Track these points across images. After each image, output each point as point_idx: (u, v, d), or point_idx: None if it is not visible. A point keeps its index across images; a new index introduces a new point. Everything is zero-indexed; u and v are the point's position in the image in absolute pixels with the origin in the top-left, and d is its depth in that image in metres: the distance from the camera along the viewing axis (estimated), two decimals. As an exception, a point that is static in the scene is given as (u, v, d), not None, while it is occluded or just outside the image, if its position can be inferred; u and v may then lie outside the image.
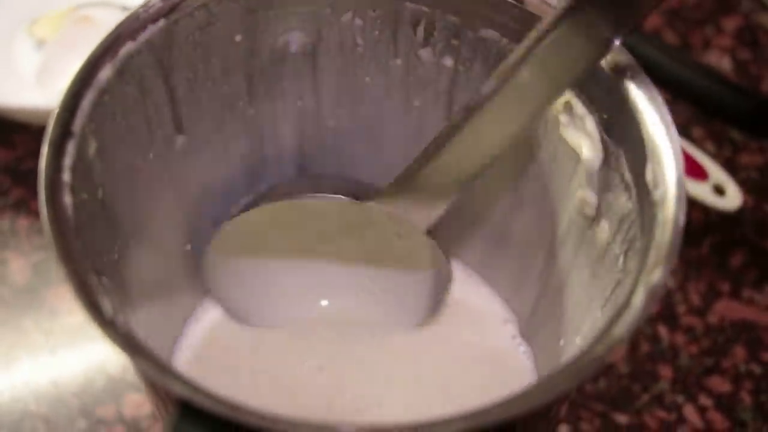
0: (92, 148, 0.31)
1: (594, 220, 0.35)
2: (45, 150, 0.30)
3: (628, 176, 0.32)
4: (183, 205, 0.38)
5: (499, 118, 0.33)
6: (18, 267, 0.52)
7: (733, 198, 0.52)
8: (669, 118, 0.31)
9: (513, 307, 0.42)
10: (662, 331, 0.51)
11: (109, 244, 0.33)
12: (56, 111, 0.30)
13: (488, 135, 0.33)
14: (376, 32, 0.37)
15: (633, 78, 0.32)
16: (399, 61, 0.38)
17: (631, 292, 0.28)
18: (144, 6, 0.33)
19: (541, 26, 0.31)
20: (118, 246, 0.34)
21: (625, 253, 0.32)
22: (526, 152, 0.37)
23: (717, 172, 0.53)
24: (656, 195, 0.30)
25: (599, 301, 0.33)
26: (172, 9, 0.33)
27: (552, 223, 0.38)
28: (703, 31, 0.63)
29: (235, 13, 0.35)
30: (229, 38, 0.35)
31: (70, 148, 0.30)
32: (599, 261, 0.34)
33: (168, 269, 0.38)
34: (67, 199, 0.29)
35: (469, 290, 0.43)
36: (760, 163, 0.57)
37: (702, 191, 0.52)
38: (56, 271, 0.52)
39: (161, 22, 0.33)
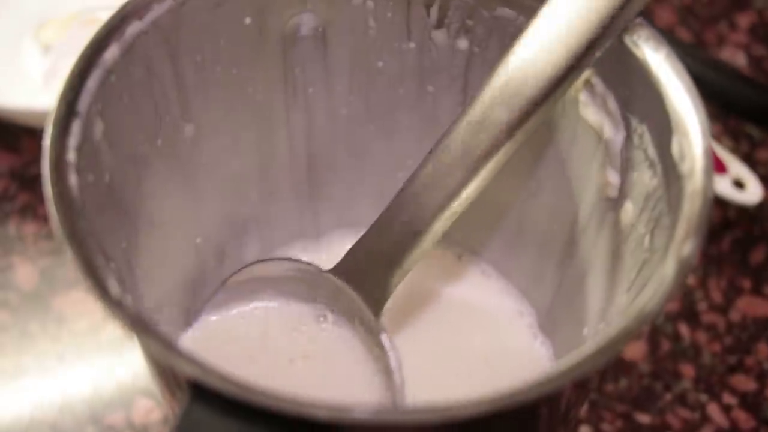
0: (99, 129, 0.31)
1: (617, 201, 0.34)
2: (49, 129, 0.29)
3: (652, 152, 0.31)
4: (193, 196, 0.37)
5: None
6: (25, 272, 0.51)
7: (753, 192, 0.51)
8: (694, 87, 0.30)
9: (531, 300, 0.41)
10: (683, 329, 0.50)
11: (117, 231, 0.32)
12: (61, 90, 0.29)
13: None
14: (389, 14, 0.36)
15: (654, 50, 0.31)
16: (412, 45, 0.37)
17: (661, 264, 0.27)
18: (151, -15, 0.32)
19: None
20: (126, 234, 0.33)
21: (652, 232, 0.31)
22: (545, 136, 0.36)
23: (736, 166, 0.52)
24: (683, 168, 0.29)
25: (624, 285, 0.32)
26: (180, -12, 0.32)
27: (572, 209, 0.37)
28: (717, 28, 0.63)
29: (245, -7, 0.34)
30: (238, 20, 0.35)
31: (76, 128, 0.29)
32: (623, 243, 0.33)
33: (177, 262, 0.37)
34: (73, 179, 0.28)
35: (485, 286, 0.42)
36: (779, 159, 0.56)
37: (721, 186, 0.51)
38: (63, 276, 0.52)
39: (168, 2, 0.32)
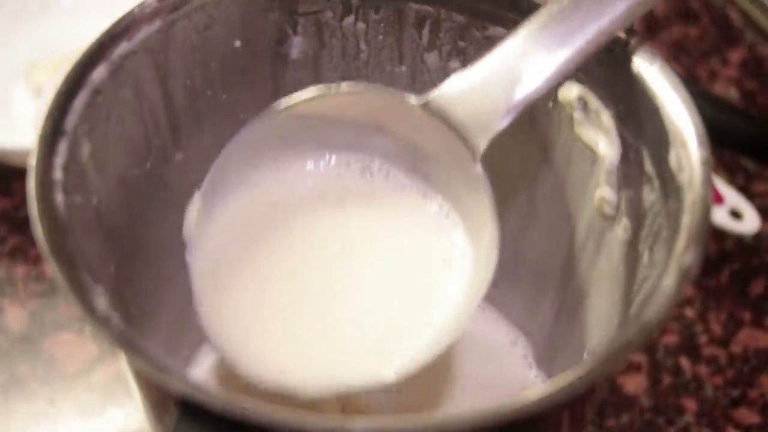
0: (86, 150, 0.30)
1: (614, 219, 0.33)
2: (36, 147, 0.28)
3: (649, 167, 0.31)
4: (182, 223, 0.36)
5: None
6: (14, 315, 0.51)
7: (751, 222, 0.51)
8: (689, 98, 0.30)
9: (527, 330, 0.40)
10: (684, 362, 0.49)
11: (106, 256, 0.31)
12: (47, 108, 0.29)
13: None
14: (380, 37, 0.36)
15: (649, 63, 0.31)
16: (404, 68, 0.37)
17: (662, 276, 0.27)
18: (139, 6, 0.32)
19: None
20: (115, 260, 0.32)
21: (650, 248, 0.30)
22: (539, 157, 0.36)
23: (733, 196, 0.52)
24: (682, 178, 0.29)
25: (625, 305, 0.32)
26: (169, 10, 0.32)
27: (569, 231, 0.36)
28: (708, 64, 0.63)
29: (234, 16, 0.34)
30: (228, 43, 0.34)
31: (62, 147, 0.29)
32: (621, 262, 0.32)
33: (167, 291, 0.37)
34: (59, 197, 0.28)
35: (477, 316, 0.41)
36: (775, 191, 0.56)
37: (719, 216, 0.51)
38: (53, 318, 0.51)
39: (157, 23, 0.32)
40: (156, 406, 0.28)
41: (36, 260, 0.52)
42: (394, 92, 0.33)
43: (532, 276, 0.39)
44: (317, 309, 0.33)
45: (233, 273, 0.34)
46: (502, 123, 0.32)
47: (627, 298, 0.32)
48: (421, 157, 0.34)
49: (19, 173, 0.54)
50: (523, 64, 0.31)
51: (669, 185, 0.29)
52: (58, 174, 0.28)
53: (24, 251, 0.53)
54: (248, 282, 0.33)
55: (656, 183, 0.30)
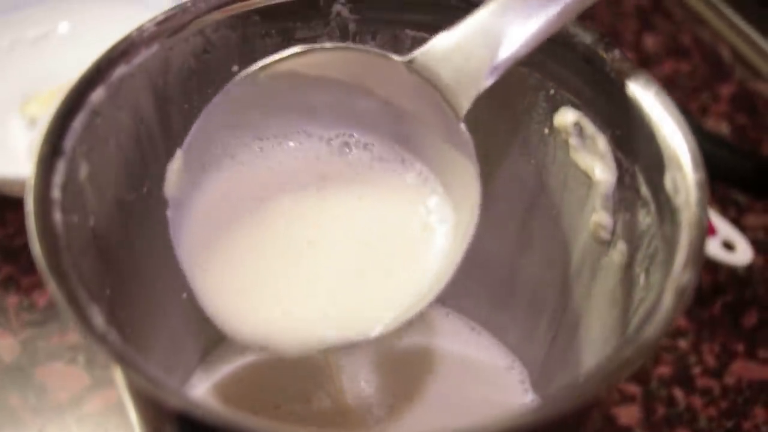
0: (84, 170, 0.30)
1: (610, 244, 0.33)
2: (34, 166, 0.28)
3: (645, 191, 0.31)
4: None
5: None
6: (6, 344, 0.50)
7: (743, 253, 0.51)
8: (683, 121, 0.30)
9: (523, 356, 0.40)
10: (678, 393, 0.49)
11: (102, 277, 0.31)
12: (46, 129, 0.29)
13: None
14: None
15: (644, 88, 0.31)
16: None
17: (659, 296, 0.27)
18: (138, 29, 0.32)
19: None
20: (111, 283, 0.32)
21: (647, 270, 0.30)
22: (535, 184, 0.36)
23: (725, 228, 0.52)
24: (678, 201, 0.29)
25: (620, 328, 0.32)
26: (167, 34, 0.32)
27: (565, 257, 0.36)
28: (699, 99, 0.63)
29: (232, 41, 0.34)
30: (226, 67, 0.34)
31: (60, 167, 0.29)
32: (618, 286, 0.33)
33: (161, 316, 0.36)
34: (57, 216, 0.28)
35: (473, 344, 0.41)
36: (766, 223, 0.56)
37: (711, 247, 0.51)
38: (45, 347, 0.51)
39: (155, 47, 0.32)
40: (154, 422, 0.27)
41: (28, 290, 0.52)
42: (378, 51, 0.33)
43: (527, 301, 0.39)
44: (300, 275, 0.34)
45: (221, 242, 0.34)
46: (486, 83, 0.32)
47: (623, 321, 0.32)
48: (404, 119, 0.35)
49: (13, 203, 0.54)
50: (505, 25, 0.31)
51: (665, 208, 0.30)
52: (56, 193, 0.28)
53: (16, 281, 0.53)
54: (235, 251, 0.34)
55: (652, 206, 0.31)
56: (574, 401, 0.24)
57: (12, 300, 0.52)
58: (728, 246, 0.52)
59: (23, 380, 0.49)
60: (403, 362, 0.40)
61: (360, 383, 0.39)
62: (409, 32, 0.35)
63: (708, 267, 0.52)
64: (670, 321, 0.26)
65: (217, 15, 0.34)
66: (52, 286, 0.26)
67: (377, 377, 0.38)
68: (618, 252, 0.33)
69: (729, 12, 0.65)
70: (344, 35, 0.36)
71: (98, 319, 0.26)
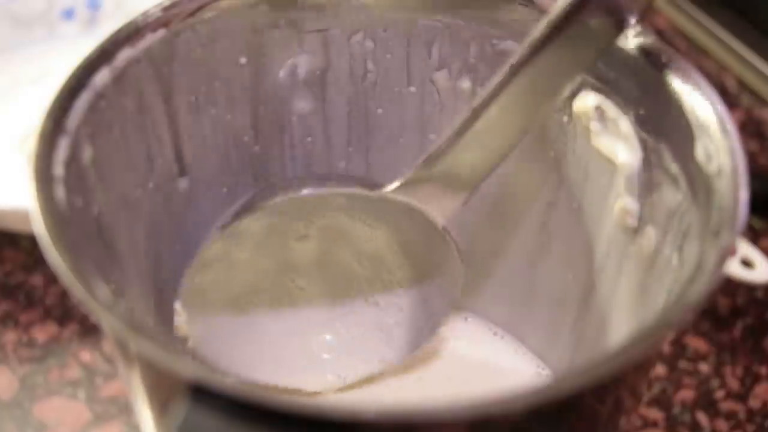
0: (87, 153, 0.29)
1: (637, 230, 0.32)
2: (35, 143, 0.27)
3: (673, 167, 0.30)
4: (184, 249, 0.35)
5: (511, 110, 0.31)
6: (4, 381, 0.49)
7: (762, 270, 0.49)
8: (711, 89, 0.29)
9: (548, 361, 0.39)
10: (702, 418, 0.47)
11: (106, 270, 0.29)
12: (48, 107, 0.28)
13: (502, 127, 0.32)
14: (388, 55, 0.35)
15: (665, 61, 0.30)
16: (413, 89, 0.36)
17: (700, 261, 0.25)
18: (143, 14, 0.31)
19: (548, 20, 0.30)
20: (115, 278, 0.30)
21: (680, 248, 0.29)
22: (554, 179, 0.35)
23: (744, 247, 0.51)
24: (710, 169, 0.28)
25: (652, 315, 0.30)
26: (173, 20, 0.31)
27: (587, 252, 0.35)
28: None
29: (240, 31, 0.33)
30: (234, 59, 0.33)
31: (63, 144, 0.28)
32: (648, 272, 0.31)
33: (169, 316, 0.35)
34: (60, 192, 0.26)
35: (497, 349, 0.39)
36: (782, 247, 0.55)
37: (730, 266, 0.50)
38: (44, 383, 0.49)
39: (161, 32, 0.31)
40: (162, 395, 0.26)
41: (26, 326, 0.51)
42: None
43: (550, 304, 0.37)
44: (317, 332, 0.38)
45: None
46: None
47: (653, 307, 0.30)
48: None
49: (11, 240, 0.53)
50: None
51: (697, 180, 0.28)
52: (58, 169, 0.27)
53: (15, 318, 0.52)
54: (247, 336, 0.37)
55: (682, 181, 0.29)
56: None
57: (10, 336, 0.51)
58: (747, 264, 0.50)
59: (22, 417, 0.47)
60: (422, 368, 0.38)
61: (378, 389, 0.38)
62: (422, 21, 0.34)
63: (726, 290, 0.51)
64: (717, 283, 0.24)
65: (225, 3, 0.33)
66: (54, 258, 0.24)
67: (396, 382, 0.36)
68: (646, 237, 0.31)
69: (733, 42, 0.65)
70: (355, 26, 0.35)
71: (104, 290, 0.24)
